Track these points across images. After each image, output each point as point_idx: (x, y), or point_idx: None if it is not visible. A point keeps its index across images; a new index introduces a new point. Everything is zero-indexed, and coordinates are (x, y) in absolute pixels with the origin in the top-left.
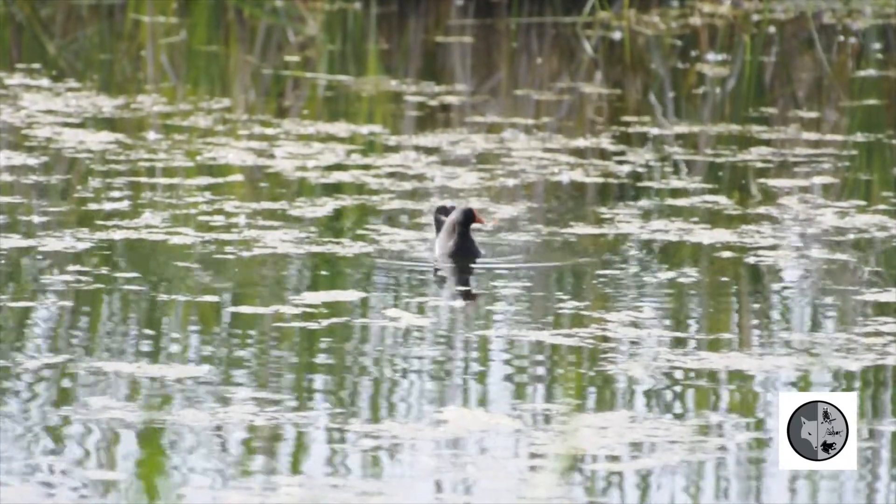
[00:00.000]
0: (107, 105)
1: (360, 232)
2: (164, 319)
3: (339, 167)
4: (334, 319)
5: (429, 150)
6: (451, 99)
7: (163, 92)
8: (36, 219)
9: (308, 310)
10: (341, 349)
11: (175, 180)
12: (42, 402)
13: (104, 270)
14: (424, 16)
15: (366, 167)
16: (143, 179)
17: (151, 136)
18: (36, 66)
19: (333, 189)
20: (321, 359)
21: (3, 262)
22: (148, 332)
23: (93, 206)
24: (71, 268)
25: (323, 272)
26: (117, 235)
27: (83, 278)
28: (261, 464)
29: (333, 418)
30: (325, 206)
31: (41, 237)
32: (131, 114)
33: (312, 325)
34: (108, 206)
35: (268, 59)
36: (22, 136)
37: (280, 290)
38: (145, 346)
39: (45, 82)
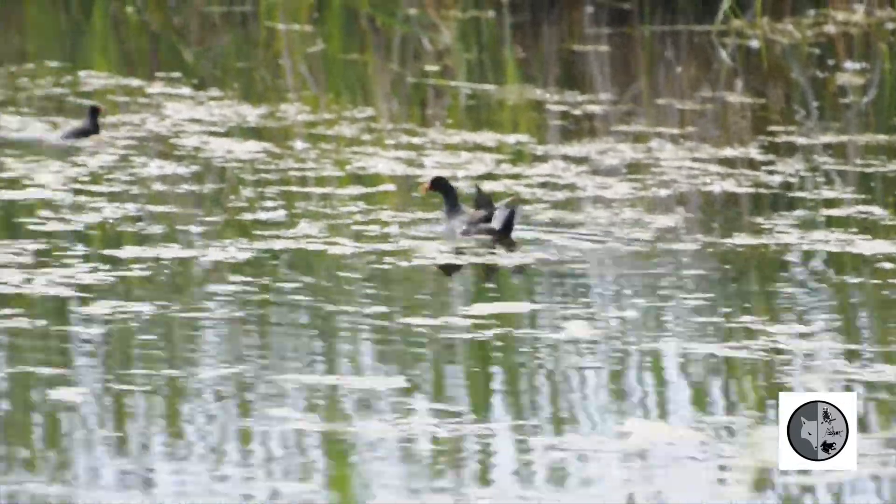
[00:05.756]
0: (250, 114)
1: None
2: (334, 330)
3: (489, 176)
4: (504, 330)
5: (577, 160)
6: (593, 108)
7: (305, 101)
8: (193, 229)
9: (477, 321)
10: (513, 361)
11: (327, 189)
12: (223, 413)
13: (267, 280)
14: (557, 24)
15: (516, 176)
16: (294, 189)
17: (299, 145)
18: (175, 74)
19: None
20: (495, 370)
21: (167, 272)
22: (319, 343)
23: (248, 216)
24: (234, 278)
25: (487, 283)
26: (277, 245)
27: (248, 288)
28: (448, 476)
29: (515, 430)
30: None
31: (201, 247)
32: (276, 123)
33: (482, 337)
34: (263, 215)
35: (406, 67)
36: (170, 146)
37: (446, 302)
38: (318, 357)
39: (185, 91)
